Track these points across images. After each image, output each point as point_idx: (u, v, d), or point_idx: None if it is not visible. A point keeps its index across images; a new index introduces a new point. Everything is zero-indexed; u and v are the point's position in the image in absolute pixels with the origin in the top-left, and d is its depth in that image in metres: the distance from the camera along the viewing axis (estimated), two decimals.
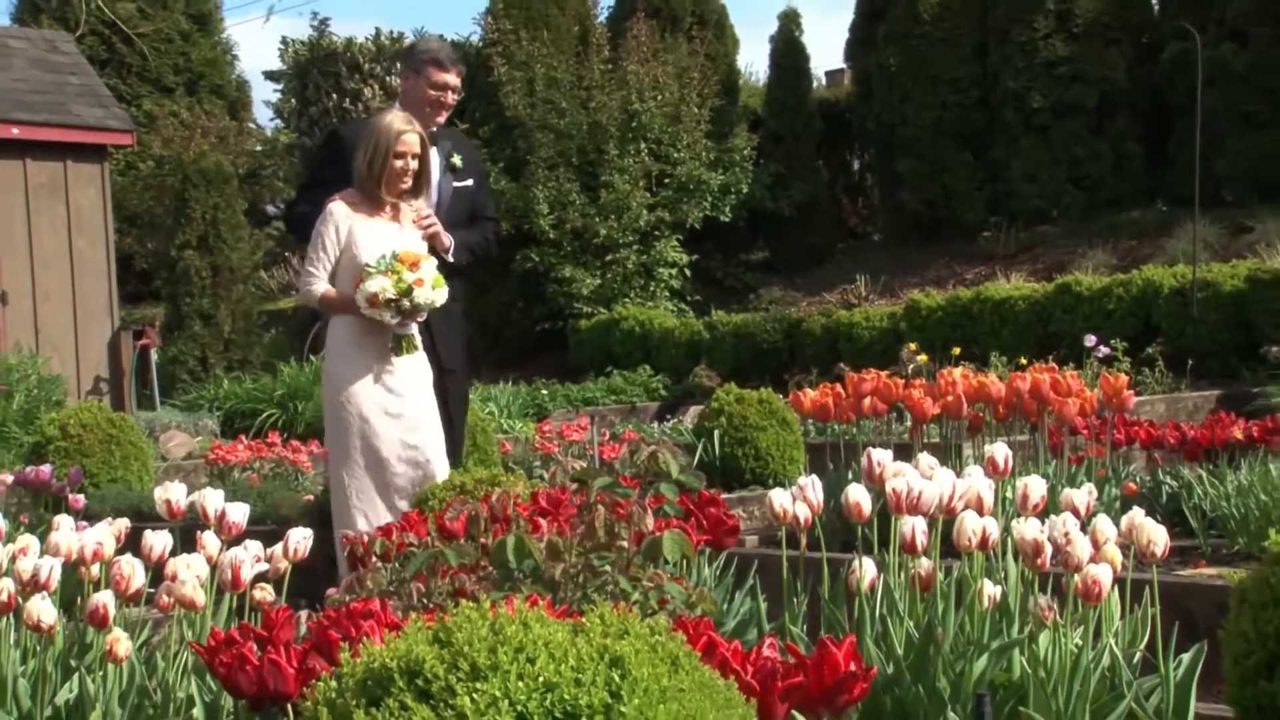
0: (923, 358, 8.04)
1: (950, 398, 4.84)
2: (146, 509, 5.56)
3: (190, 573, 2.79)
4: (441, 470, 4.44)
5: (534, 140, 15.07)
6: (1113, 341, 8.75)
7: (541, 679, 1.61)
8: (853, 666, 2.15)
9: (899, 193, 16.10)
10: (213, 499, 3.13)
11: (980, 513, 2.82)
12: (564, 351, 15.23)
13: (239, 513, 3.11)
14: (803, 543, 3.05)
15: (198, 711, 2.63)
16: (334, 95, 19.65)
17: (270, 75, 21.89)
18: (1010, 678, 2.71)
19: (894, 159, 15.92)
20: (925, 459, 3.13)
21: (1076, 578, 2.59)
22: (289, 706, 2.26)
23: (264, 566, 2.99)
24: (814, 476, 3.10)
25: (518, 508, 2.66)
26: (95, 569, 2.93)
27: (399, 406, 4.44)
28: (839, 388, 5.16)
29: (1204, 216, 11.08)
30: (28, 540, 2.98)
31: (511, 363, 15.17)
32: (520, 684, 1.60)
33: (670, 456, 2.60)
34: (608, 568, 2.38)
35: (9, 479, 5.69)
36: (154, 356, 12.77)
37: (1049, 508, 2.92)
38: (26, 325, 11.73)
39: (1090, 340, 8.31)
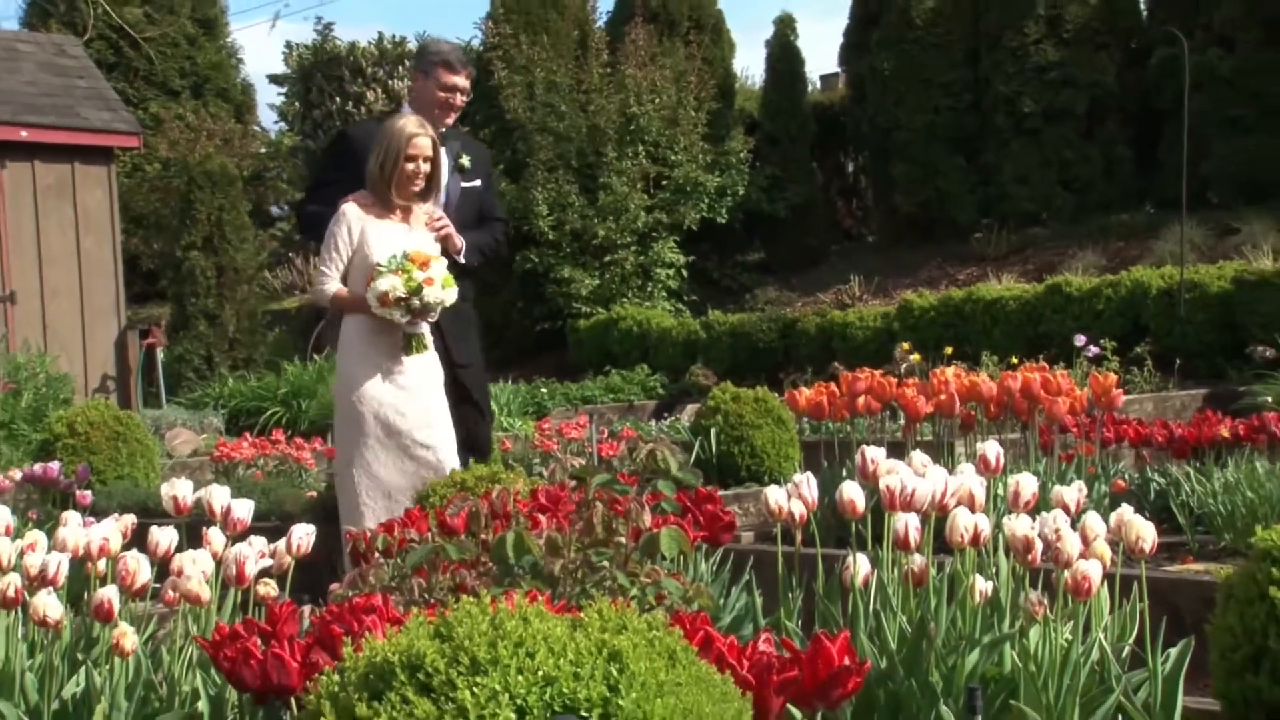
0: (916, 357, 8.08)
1: (943, 396, 4.87)
2: (153, 505, 5.62)
3: (195, 568, 2.80)
4: (452, 468, 4.46)
5: (533, 143, 15.09)
6: (1102, 341, 8.76)
7: (541, 673, 1.62)
8: (847, 661, 2.16)
9: (892, 195, 16.10)
10: (219, 495, 3.13)
11: (972, 509, 2.84)
12: (563, 351, 15.25)
13: (244, 509, 3.11)
14: (798, 539, 3.07)
15: (203, 705, 2.64)
16: (337, 99, 19.69)
17: (275, 79, 21.91)
18: (1001, 671, 2.72)
19: (888, 162, 15.94)
20: (918, 457, 3.14)
21: (1066, 573, 2.60)
22: (292, 700, 2.28)
23: (268, 562, 3.00)
24: (809, 474, 3.10)
25: (517, 504, 2.68)
26: (102, 564, 2.93)
27: (409, 405, 4.45)
28: (833, 386, 5.20)
29: (1191, 219, 11.10)
30: (36, 536, 3.00)
31: (512, 362, 15.18)
32: (520, 678, 1.61)
33: (668, 454, 2.61)
34: (606, 563, 2.40)
35: (17, 476, 5.72)
36: (160, 355, 12.79)
37: (1040, 505, 2.94)
38: (35, 324, 11.74)
39: (1080, 340, 8.32)
